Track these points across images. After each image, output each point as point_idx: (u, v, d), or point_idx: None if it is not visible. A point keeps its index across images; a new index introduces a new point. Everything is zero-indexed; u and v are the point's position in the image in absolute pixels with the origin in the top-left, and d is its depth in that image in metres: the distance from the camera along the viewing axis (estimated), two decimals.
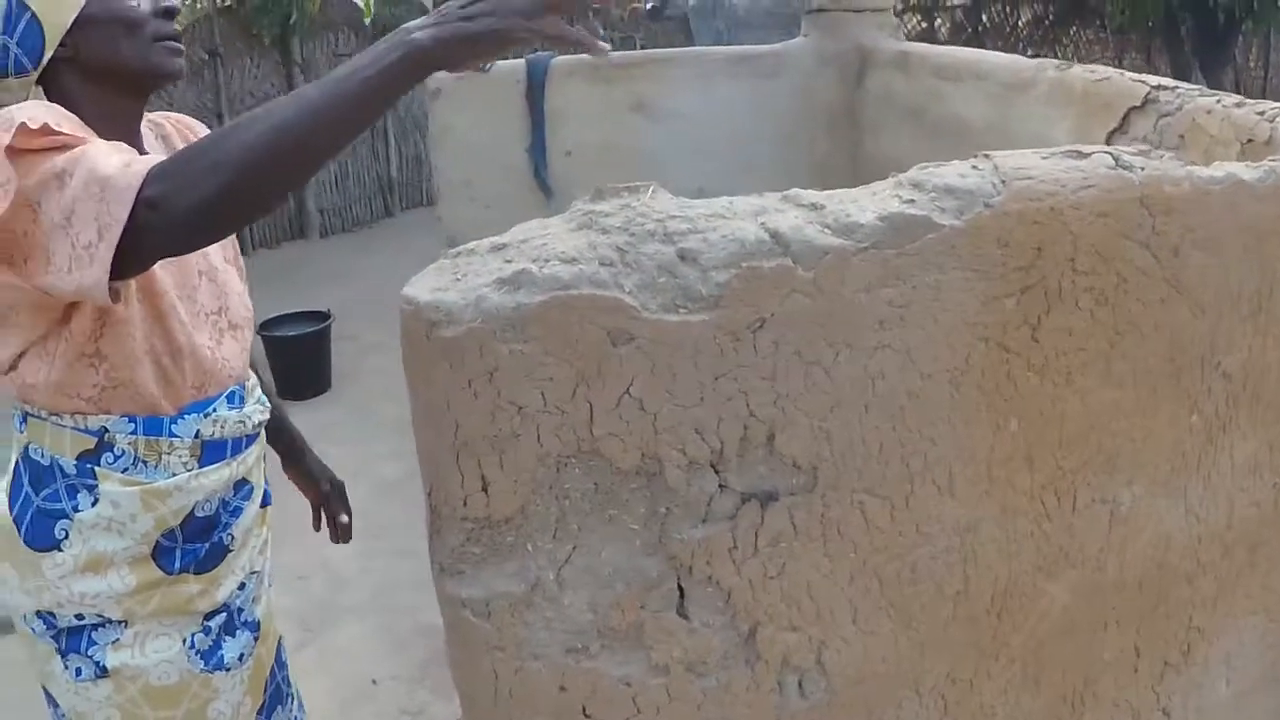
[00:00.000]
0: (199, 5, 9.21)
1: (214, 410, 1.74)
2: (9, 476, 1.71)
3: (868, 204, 1.19)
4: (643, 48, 11.50)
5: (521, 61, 4.91)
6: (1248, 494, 1.61)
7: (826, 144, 4.80)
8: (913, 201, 1.20)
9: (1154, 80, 2.71)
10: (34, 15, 1.57)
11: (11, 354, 1.59)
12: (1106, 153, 1.35)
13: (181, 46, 1.68)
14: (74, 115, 1.53)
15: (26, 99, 1.59)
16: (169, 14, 1.66)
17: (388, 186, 10.32)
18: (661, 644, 1.21)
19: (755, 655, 1.26)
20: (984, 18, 12.95)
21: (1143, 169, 1.35)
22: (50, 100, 1.60)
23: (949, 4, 12.66)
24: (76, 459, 1.64)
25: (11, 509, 1.68)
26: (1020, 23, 13.09)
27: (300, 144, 1.26)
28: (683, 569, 1.21)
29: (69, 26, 1.58)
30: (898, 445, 1.26)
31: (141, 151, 1.67)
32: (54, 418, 1.64)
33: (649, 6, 11.39)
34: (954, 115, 3.86)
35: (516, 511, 1.13)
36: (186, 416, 1.70)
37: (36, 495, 1.66)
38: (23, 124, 1.36)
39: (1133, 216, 1.33)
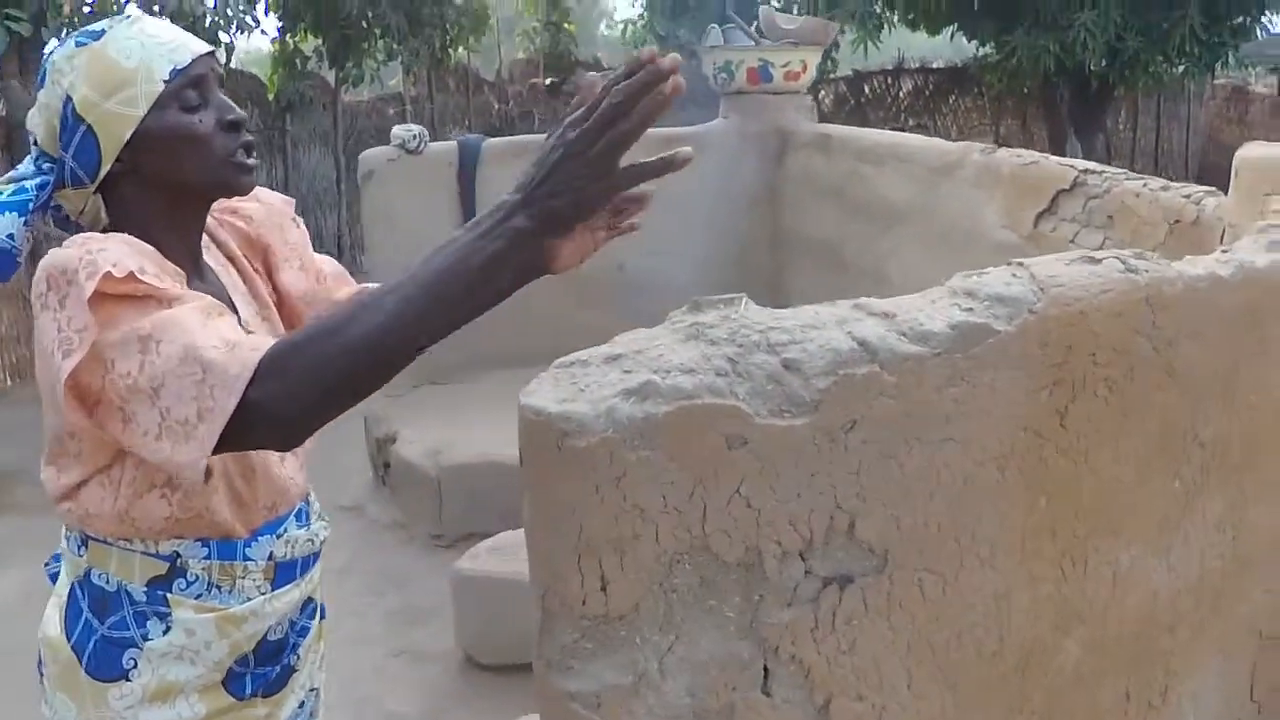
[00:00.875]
0: None
1: (285, 530, 1.70)
2: (62, 601, 1.65)
3: (933, 312, 1.31)
4: (542, 121, 11.66)
5: (454, 144, 4.99)
6: (1215, 548, 1.78)
7: (747, 221, 4.99)
8: (971, 310, 1.32)
9: (1081, 164, 2.93)
10: (90, 129, 1.52)
11: (71, 482, 1.55)
12: (1115, 257, 1.50)
13: (253, 163, 1.63)
14: (152, 249, 1.50)
15: (84, 209, 1.58)
16: (235, 127, 1.60)
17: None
18: None
19: None
20: (866, 89, 13.45)
21: (1146, 271, 1.50)
22: (110, 210, 1.59)
23: (831, 76, 13.09)
24: (146, 585, 1.59)
25: (69, 637, 1.61)
26: (901, 93, 13.62)
27: (400, 345, 1.27)
28: (769, 650, 1.29)
29: (126, 140, 1.53)
30: (952, 525, 1.38)
31: (199, 262, 1.65)
32: (121, 542, 1.58)
33: (548, 83, 11.56)
34: (878, 196, 4.07)
35: (631, 608, 1.20)
36: (260, 538, 1.66)
37: (101, 623, 1.59)
38: (108, 273, 1.34)
39: (1140, 314, 1.48)
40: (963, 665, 1.47)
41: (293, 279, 1.83)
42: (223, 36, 9.07)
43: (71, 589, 1.63)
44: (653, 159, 1.32)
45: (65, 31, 8.53)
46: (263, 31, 10.67)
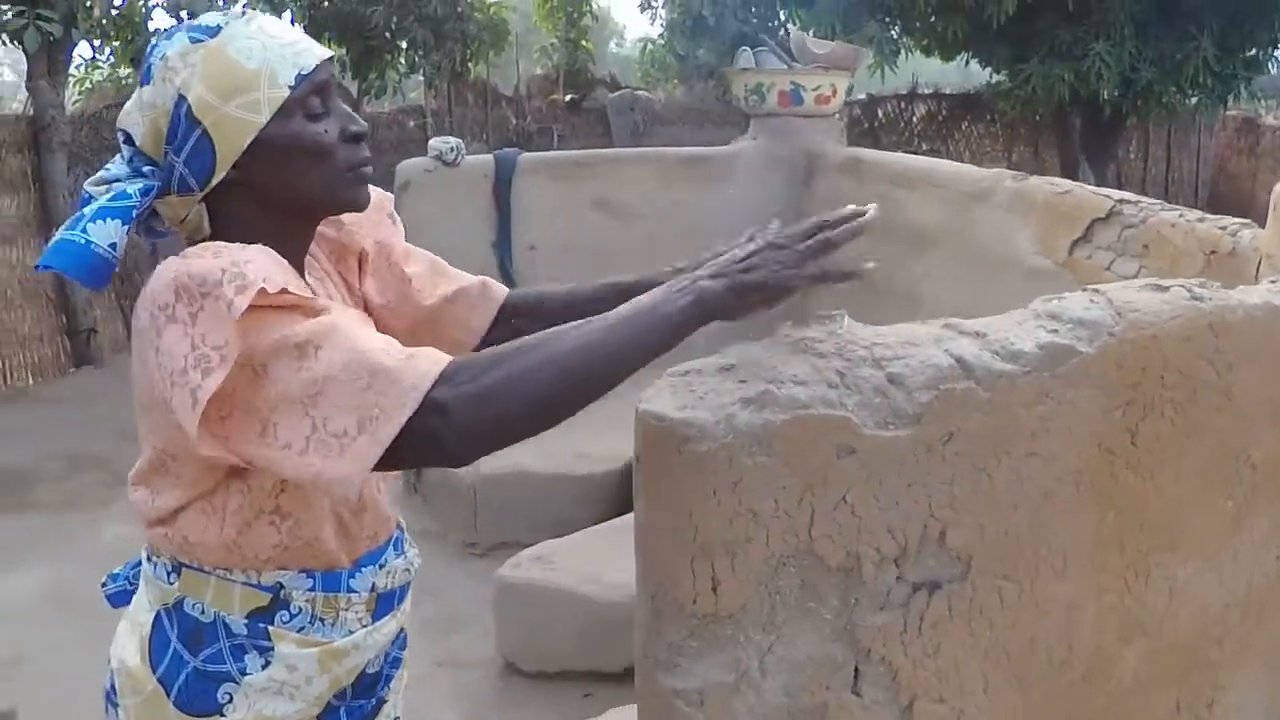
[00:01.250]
0: (128, 82, 9.07)
1: (385, 560, 1.63)
2: (144, 630, 1.55)
3: (1021, 333, 1.39)
4: (561, 138, 11.77)
5: (489, 157, 5.07)
6: (1262, 565, 1.86)
7: None
8: (1056, 331, 1.40)
9: (1116, 194, 3.01)
10: (205, 132, 1.39)
11: (169, 506, 1.45)
12: (1182, 286, 1.58)
13: (371, 172, 1.54)
14: (282, 259, 1.39)
15: (186, 218, 1.47)
16: (357, 138, 1.49)
17: None
18: None
19: None
20: (879, 113, 13.57)
21: (1210, 299, 1.58)
22: (215, 222, 1.47)
23: (847, 100, 13.20)
24: (246, 617, 1.50)
25: (155, 668, 1.52)
26: (914, 118, 13.73)
27: (589, 376, 1.28)
28: (861, 652, 1.36)
29: (245, 149, 1.40)
30: (1030, 536, 1.45)
31: (303, 279, 1.53)
32: (220, 571, 1.49)
33: (567, 99, 11.67)
34: (910, 220, 4.14)
35: (739, 608, 1.27)
36: (363, 569, 1.58)
37: (194, 655, 1.50)
38: (262, 288, 1.25)
39: (1205, 339, 1.56)
40: (1034, 671, 1.54)
41: (375, 288, 1.74)
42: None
43: (157, 617, 1.53)
44: (838, 270, 1.44)
45: (96, 33, 8.67)
46: None
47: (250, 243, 1.40)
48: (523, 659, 3.55)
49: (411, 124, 11.35)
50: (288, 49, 1.42)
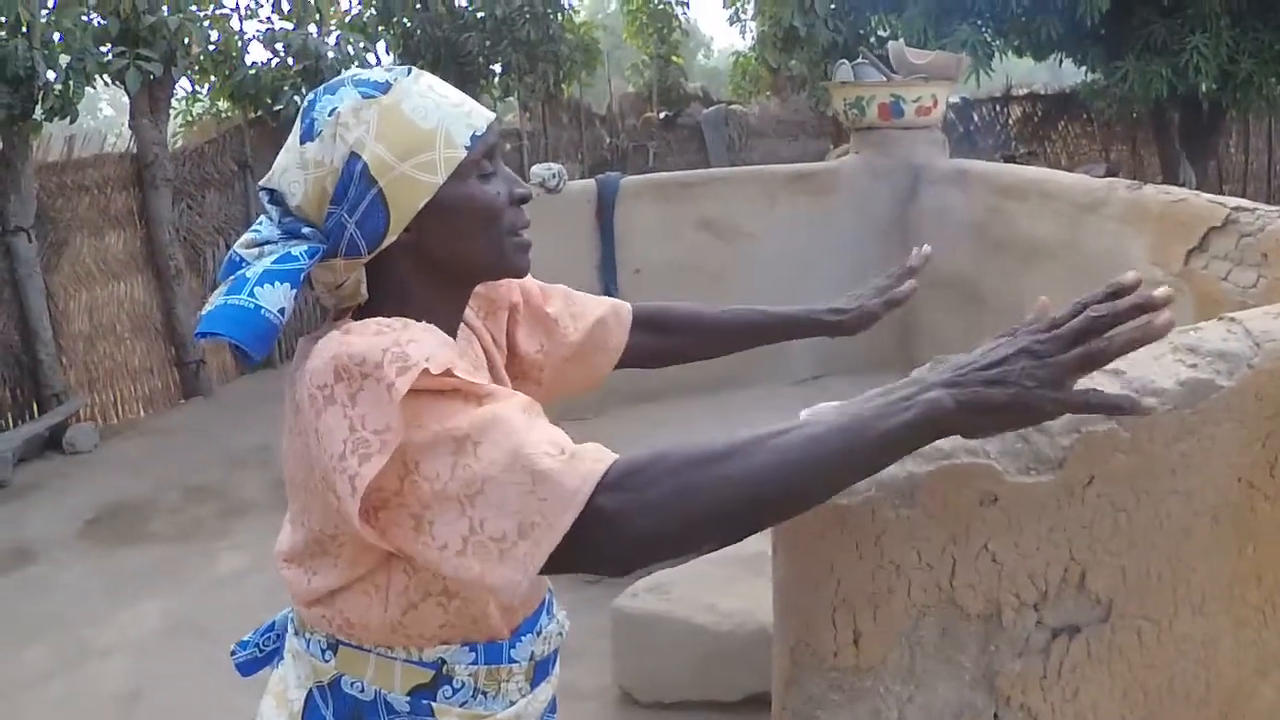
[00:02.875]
0: (228, 116, 9.30)
1: (540, 626, 1.57)
2: (294, 709, 1.51)
3: (1160, 369, 1.38)
4: (656, 155, 11.81)
5: (592, 182, 5.11)
6: None
7: (880, 256, 5.03)
8: (1195, 366, 1.39)
9: (1232, 202, 2.95)
10: (380, 193, 1.32)
11: (327, 586, 1.41)
12: None
13: (531, 241, 1.48)
14: (446, 336, 1.33)
15: (344, 283, 1.40)
16: (523, 201, 1.45)
17: None
18: None
19: None
20: (974, 116, 13.41)
21: None
22: (371, 287, 1.41)
23: None
24: (409, 694, 1.45)
25: None
26: (1010, 120, 13.56)
27: (782, 496, 1.13)
28: (1000, 698, 1.36)
29: (419, 210, 1.35)
30: (1170, 575, 1.43)
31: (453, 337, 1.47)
32: (379, 649, 1.45)
33: (661, 116, 11.72)
34: (1020, 232, 4.09)
35: (879, 660, 1.28)
36: (523, 639, 1.53)
37: None
38: (425, 369, 1.19)
39: None
40: (1172, 710, 1.52)
41: (526, 337, 1.71)
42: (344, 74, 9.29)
43: (310, 696, 1.49)
44: (1115, 395, 1.14)
45: (195, 70, 8.90)
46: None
47: (407, 309, 1.36)
48: (639, 689, 3.55)
49: (509, 147, 11.48)
50: (459, 109, 1.38)
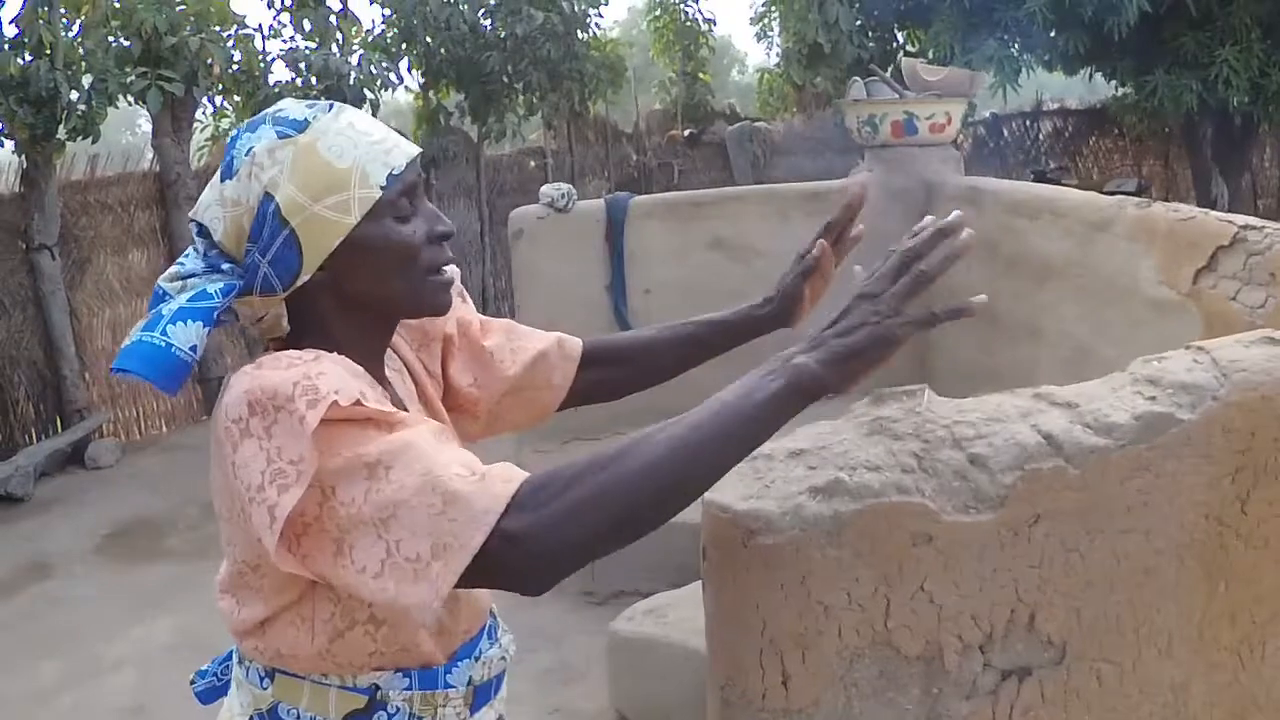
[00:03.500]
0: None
1: (480, 652, 1.56)
2: None
3: (1116, 402, 1.31)
4: (681, 173, 11.79)
5: (601, 201, 5.08)
6: None
7: None
8: (1154, 399, 1.32)
9: (1240, 220, 2.87)
10: (293, 233, 1.33)
11: (255, 617, 1.41)
12: None
13: (454, 279, 1.48)
14: (362, 369, 1.35)
15: (264, 317, 1.42)
16: (444, 238, 1.44)
17: None
18: None
19: None
20: (1004, 132, 13.30)
21: None
22: (293, 320, 1.43)
23: (971, 120, 13.01)
24: None
25: None
26: (1040, 136, 13.44)
27: (677, 483, 1.16)
28: None
29: (332, 250, 1.35)
30: (1132, 616, 1.37)
31: (382, 376, 1.50)
32: (314, 676, 1.45)
33: (686, 134, 11.68)
34: (1031, 250, 4.01)
35: (811, 703, 1.22)
36: (460, 664, 1.52)
37: None
38: (334, 402, 1.20)
39: None
40: None
41: (460, 370, 1.71)
42: (368, 93, 9.34)
43: None
44: (944, 308, 1.28)
45: (217, 90, 8.97)
46: (407, 89, 10.99)
47: (329, 342, 1.37)
48: (635, 712, 3.51)
49: (532, 164, 11.46)
50: (378, 147, 1.38)
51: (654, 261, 5.12)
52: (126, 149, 9.45)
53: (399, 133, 1.46)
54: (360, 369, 1.33)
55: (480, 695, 1.57)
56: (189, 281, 1.37)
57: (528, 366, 1.76)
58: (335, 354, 1.32)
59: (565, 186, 5.08)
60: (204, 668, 1.70)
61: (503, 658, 1.61)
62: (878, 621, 1.21)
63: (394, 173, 1.37)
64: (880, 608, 1.20)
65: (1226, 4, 9.24)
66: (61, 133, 7.44)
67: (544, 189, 5.07)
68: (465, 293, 1.74)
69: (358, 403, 1.22)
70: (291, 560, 1.24)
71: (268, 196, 1.34)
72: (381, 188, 1.36)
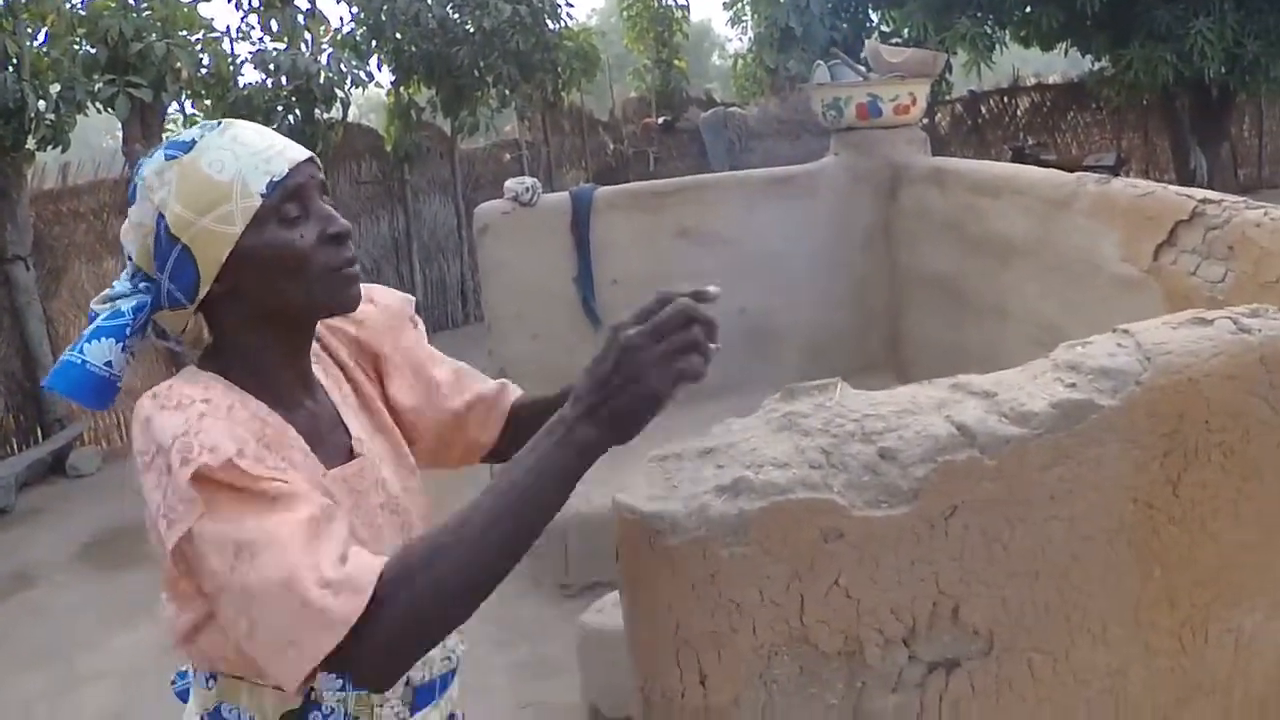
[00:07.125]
0: None
1: None
2: None
3: (1035, 390, 1.29)
4: (657, 160, 11.76)
5: (566, 194, 5.05)
6: None
7: (863, 258, 4.96)
8: (1074, 385, 1.30)
9: (1199, 194, 2.85)
10: (185, 248, 1.39)
11: (187, 625, 1.44)
12: (1227, 318, 1.45)
13: (358, 272, 1.50)
14: (251, 414, 1.41)
15: (185, 328, 1.48)
16: (338, 239, 1.45)
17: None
18: None
19: None
20: (982, 109, 13.29)
21: (1260, 330, 1.45)
22: (213, 329, 1.49)
23: (948, 98, 12.99)
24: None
25: None
26: (1019, 112, 13.43)
27: (488, 565, 1.22)
28: None
29: (224, 261, 1.39)
30: (1061, 603, 1.35)
31: (308, 381, 1.56)
32: (251, 676, 1.47)
33: (661, 121, 11.66)
34: (995, 229, 4.00)
35: (730, 701, 1.20)
36: None
37: None
38: (204, 464, 1.25)
39: (1255, 375, 1.43)
40: None
41: (402, 391, 1.74)
42: (338, 92, 9.31)
43: None
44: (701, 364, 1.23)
45: (187, 94, 8.93)
46: (377, 85, 10.95)
47: (249, 350, 1.47)
48: (607, 704, 3.49)
49: (508, 157, 11.42)
50: (258, 156, 1.42)
51: (620, 252, 5.10)
52: (108, 154, 9.41)
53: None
54: (246, 414, 1.40)
55: (422, 695, 1.60)
56: (117, 302, 1.44)
57: (467, 405, 1.80)
58: (227, 391, 1.41)
59: (529, 180, 5.05)
60: (184, 669, 1.73)
61: (447, 658, 1.64)
62: (793, 618, 1.19)
63: (274, 180, 1.41)
64: (795, 604, 1.18)
65: None
66: (30, 143, 7.41)
67: (508, 183, 5.04)
68: (419, 320, 1.82)
69: (230, 461, 1.26)
70: (188, 584, 1.33)
71: (160, 216, 1.40)
72: (262, 195, 1.40)
